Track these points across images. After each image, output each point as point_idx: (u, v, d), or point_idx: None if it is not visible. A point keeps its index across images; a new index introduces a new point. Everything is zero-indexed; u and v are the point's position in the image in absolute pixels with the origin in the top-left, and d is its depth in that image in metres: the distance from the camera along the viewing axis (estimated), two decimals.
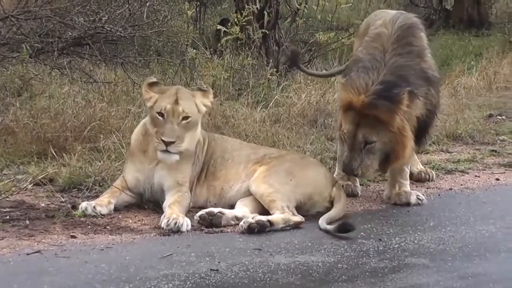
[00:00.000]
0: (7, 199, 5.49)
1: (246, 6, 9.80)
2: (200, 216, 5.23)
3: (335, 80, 8.68)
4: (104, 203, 5.34)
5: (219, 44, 10.03)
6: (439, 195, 6.33)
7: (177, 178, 5.43)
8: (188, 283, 4.21)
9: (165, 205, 5.32)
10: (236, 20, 9.48)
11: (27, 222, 5.11)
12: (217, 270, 4.40)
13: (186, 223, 5.08)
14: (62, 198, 5.62)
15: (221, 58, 9.53)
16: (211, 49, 10.09)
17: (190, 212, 5.42)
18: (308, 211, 5.49)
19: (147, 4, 8.96)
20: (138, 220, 5.33)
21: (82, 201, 5.40)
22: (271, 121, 7.96)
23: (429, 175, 6.66)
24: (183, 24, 10.61)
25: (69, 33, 8.20)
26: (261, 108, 8.30)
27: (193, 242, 4.88)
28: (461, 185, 6.62)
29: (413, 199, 5.95)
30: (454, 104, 9.20)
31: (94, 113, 6.99)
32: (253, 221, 5.10)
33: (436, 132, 7.71)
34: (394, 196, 6.00)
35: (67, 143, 6.57)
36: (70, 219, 5.21)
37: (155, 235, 5.04)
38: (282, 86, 9.01)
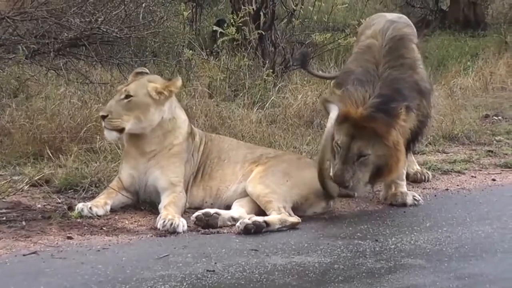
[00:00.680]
0: (3, 200, 5.49)
1: (242, 7, 9.80)
2: (196, 217, 5.23)
3: (331, 81, 8.68)
4: (100, 204, 5.34)
5: (215, 45, 10.03)
6: (435, 195, 6.34)
7: (170, 178, 5.43)
8: (184, 284, 4.20)
9: (161, 206, 5.33)
10: (232, 21, 9.48)
11: (24, 223, 5.11)
12: (213, 271, 4.40)
13: (182, 224, 5.08)
14: (59, 199, 5.62)
15: (217, 59, 9.53)
16: (207, 50, 10.08)
17: (186, 212, 5.43)
18: (304, 212, 5.50)
19: (143, 5, 8.96)
20: (135, 221, 5.33)
21: (79, 202, 5.40)
22: (267, 122, 7.97)
23: (425, 176, 6.67)
24: (179, 25, 10.59)
25: (65, 34, 8.18)
26: (257, 109, 8.31)
27: (190, 243, 4.88)
28: (458, 185, 6.63)
29: (409, 200, 5.96)
30: (450, 105, 9.20)
31: (90, 114, 6.99)
32: (249, 221, 5.10)
33: (433, 132, 7.73)
34: (391, 197, 6.01)
35: (63, 144, 6.57)
36: (67, 220, 5.20)
37: (152, 236, 5.03)
38: (278, 87, 9.01)
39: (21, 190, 5.71)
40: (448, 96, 9.83)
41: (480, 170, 7.13)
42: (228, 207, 5.47)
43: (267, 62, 9.62)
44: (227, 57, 9.32)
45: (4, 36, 7.85)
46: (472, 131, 8.30)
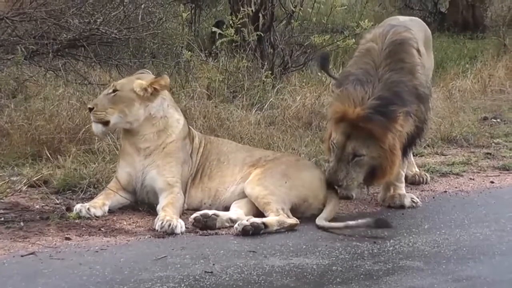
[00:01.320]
0: (2, 200, 5.49)
1: (241, 9, 9.79)
2: (194, 218, 5.23)
3: (330, 83, 8.69)
4: (98, 205, 5.34)
5: (214, 46, 10.04)
6: (433, 197, 6.34)
7: (166, 178, 5.44)
8: (182, 285, 4.20)
9: (159, 207, 5.33)
10: (231, 22, 9.48)
11: (22, 224, 5.10)
12: (211, 272, 4.39)
13: (180, 225, 5.08)
14: (57, 200, 5.63)
15: (216, 60, 9.53)
16: (206, 51, 10.09)
17: (184, 214, 5.43)
18: (303, 213, 5.49)
19: (142, 6, 8.95)
20: (133, 222, 5.33)
21: (77, 203, 5.40)
22: (266, 123, 7.96)
23: (423, 178, 6.67)
24: (178, 26, 10.59)
25: (64, 35, 8.18)
26: (256, 111, 8.31)
27: (188, 244, 4.88)
28: (456, 188, 6.63)
29: (407, 202, 5.96)
30: (449, 107, 9.21)
31: (89, 115, 6.96)
32: (247, 223, 5.10)
33: (431, 134, 7.73)
34: (389, 199, 6.01)
35: (62, 145, 6.57)
36: (65, 221, 5.20)
37: (150, 237, 5.03)
38: (277, 88, 9.02)
39: (19, 190, 5.71)
40: (447, 99, 9.84)
41: (479, 173, 7.13)
42: (226, 209, 5.47)
43: (265, 63, 9.62)
44: (226, 58, 9.31)
45: (3, 37, 7.85)
46: (470, 134, 8.31)
